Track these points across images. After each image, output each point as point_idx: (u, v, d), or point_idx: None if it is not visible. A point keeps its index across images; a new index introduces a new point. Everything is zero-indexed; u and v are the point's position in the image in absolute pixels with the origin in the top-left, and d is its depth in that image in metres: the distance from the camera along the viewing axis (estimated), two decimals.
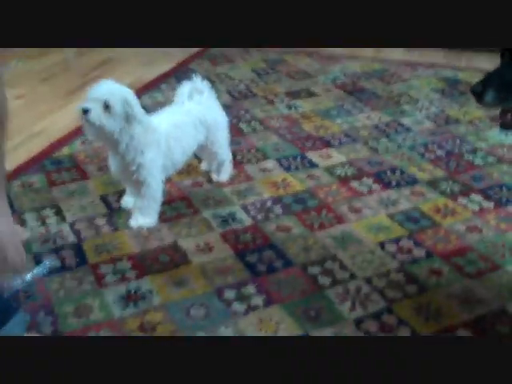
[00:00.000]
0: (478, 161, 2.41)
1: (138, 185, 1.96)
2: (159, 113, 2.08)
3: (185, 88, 2.12)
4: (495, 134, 2.62)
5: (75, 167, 2.37)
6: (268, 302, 1.68)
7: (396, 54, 3.71)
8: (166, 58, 3.59)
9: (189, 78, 2.14)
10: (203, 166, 2.35)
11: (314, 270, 1.81)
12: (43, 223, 2.02)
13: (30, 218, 2.04)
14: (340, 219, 2.04)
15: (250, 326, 1.59)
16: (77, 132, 2.63)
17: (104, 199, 2.15)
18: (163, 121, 2.00)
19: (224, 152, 2.22)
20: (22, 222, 2.02)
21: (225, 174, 2.27)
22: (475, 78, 3.41)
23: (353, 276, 1.78)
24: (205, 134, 2.12)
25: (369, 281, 1.76)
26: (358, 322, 1.60)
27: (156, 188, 1.98)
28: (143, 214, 1.99)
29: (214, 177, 2.28)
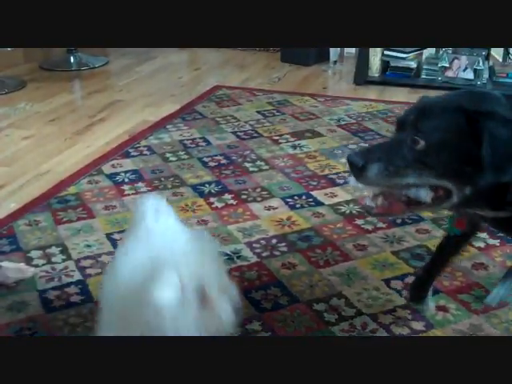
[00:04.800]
0: None
1: None
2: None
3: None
4: None
5: (81, 206, 2.38)
6: None
7: (400, 95, 3.75)
8: (172, 100, 3.64)
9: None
10: None
11: (320, 306, 1.80)
12: (49, 261, 2.02)
13: (35, 255, 2.05)
14: (345, 256, 2.04)
15: None
16: (83, 171, 2.66)
17: (109, 237, 2.16)
18: None
19: None
20: (28, 260, 2.02)
21: None
22: None
23: (359, 312, 1.77)
24: None
25: (375, 317, 1.75)
26: None
27: None
28: None
29: None
